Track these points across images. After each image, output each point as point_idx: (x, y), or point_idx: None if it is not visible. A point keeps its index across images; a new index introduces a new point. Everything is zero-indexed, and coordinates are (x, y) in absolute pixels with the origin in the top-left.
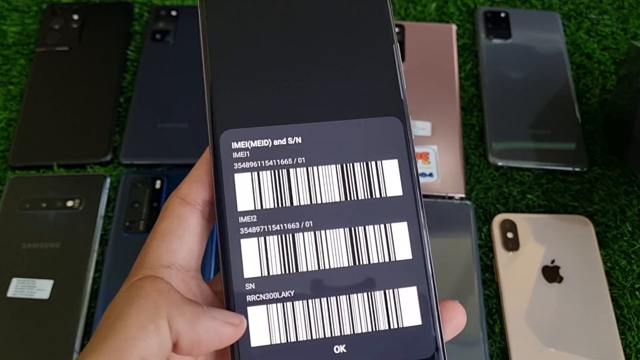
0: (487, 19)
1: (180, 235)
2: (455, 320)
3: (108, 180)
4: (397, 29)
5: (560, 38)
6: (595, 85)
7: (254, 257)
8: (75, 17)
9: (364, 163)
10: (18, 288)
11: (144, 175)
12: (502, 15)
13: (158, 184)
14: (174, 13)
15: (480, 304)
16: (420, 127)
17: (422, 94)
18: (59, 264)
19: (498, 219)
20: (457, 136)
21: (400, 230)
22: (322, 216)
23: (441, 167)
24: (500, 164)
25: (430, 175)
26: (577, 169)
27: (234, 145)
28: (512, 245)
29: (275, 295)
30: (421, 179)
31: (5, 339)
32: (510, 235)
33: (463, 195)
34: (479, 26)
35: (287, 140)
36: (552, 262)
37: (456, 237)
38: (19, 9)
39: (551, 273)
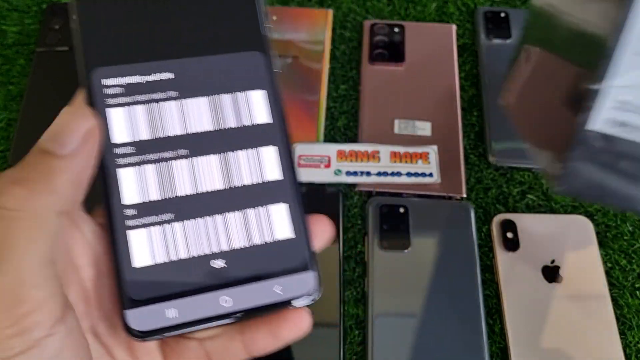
0: (487, 19)
1: None
2: (323, 232)
3: None
4: (396, 29)
5: None
6: None
7: (132, 185)
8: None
9: (232, 94)
10: None
11: None
12: (502, 15)
13: None
14: None
15: (480, 304)
16: (420, 127)
17: (422, 94)
18: None
19: (498, 219)
20: (457, 136)
21: (269, 154)
22: (195, 144)
23: (441, 167)
24: (500, 164)
25: (430, 175)
26: None
27: (104, 82)
28: (512, 245)
29: (154, 219)
30: (421, 179)
31: None
32: (510, 235)
33: (463, 195)
34: (479, 26)
35: (159, 76)
36: (552, 262)
37: (456, 237)
38: (19, 9)
39: (551, 273)
